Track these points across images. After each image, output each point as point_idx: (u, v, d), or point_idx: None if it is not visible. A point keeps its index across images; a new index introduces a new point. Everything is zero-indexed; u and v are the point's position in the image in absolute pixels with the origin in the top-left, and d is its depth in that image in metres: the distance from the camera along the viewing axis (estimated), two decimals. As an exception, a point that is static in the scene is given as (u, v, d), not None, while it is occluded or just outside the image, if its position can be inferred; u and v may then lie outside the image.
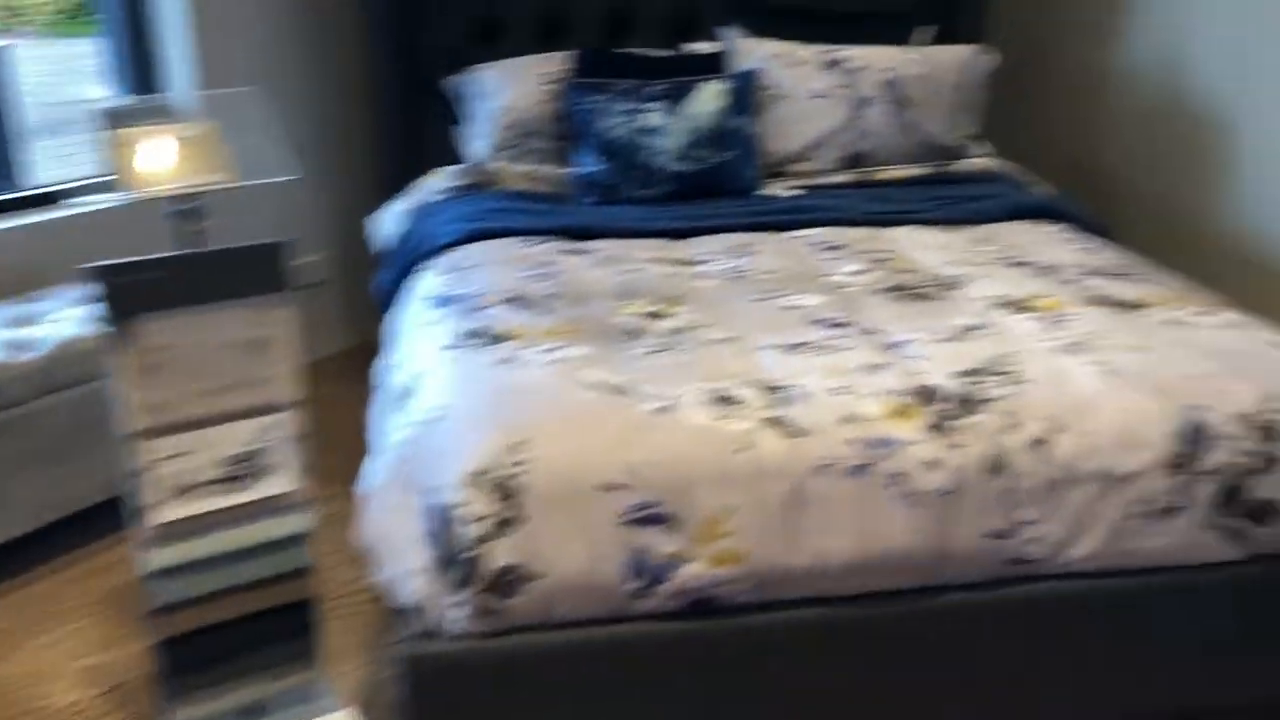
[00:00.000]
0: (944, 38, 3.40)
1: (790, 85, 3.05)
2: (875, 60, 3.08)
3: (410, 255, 2.65)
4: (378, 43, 3.29)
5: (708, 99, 2.93)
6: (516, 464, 1.63)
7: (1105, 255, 2.50)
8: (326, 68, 3.54)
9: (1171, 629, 1.82)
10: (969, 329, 2.03)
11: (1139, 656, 1.84)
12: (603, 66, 3.08)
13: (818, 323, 2.07)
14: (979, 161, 3.13)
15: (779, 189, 2.96)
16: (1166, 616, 1.81)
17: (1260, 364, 1.89)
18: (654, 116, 2.89)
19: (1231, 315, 2.11)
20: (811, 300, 2.19)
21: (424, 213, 2.90)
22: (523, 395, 1.76)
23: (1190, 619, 1.82)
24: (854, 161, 3.05)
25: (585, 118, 2.92)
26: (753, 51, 3.13)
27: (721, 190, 2.93)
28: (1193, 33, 3.28)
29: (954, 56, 3.17)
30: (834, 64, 3.07)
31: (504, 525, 1.61)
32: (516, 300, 2.18)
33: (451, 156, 3.20)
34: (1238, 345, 1.96)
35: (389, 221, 3.03)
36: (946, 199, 2.86)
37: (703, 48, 3.25)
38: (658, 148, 2.88)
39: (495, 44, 3.34)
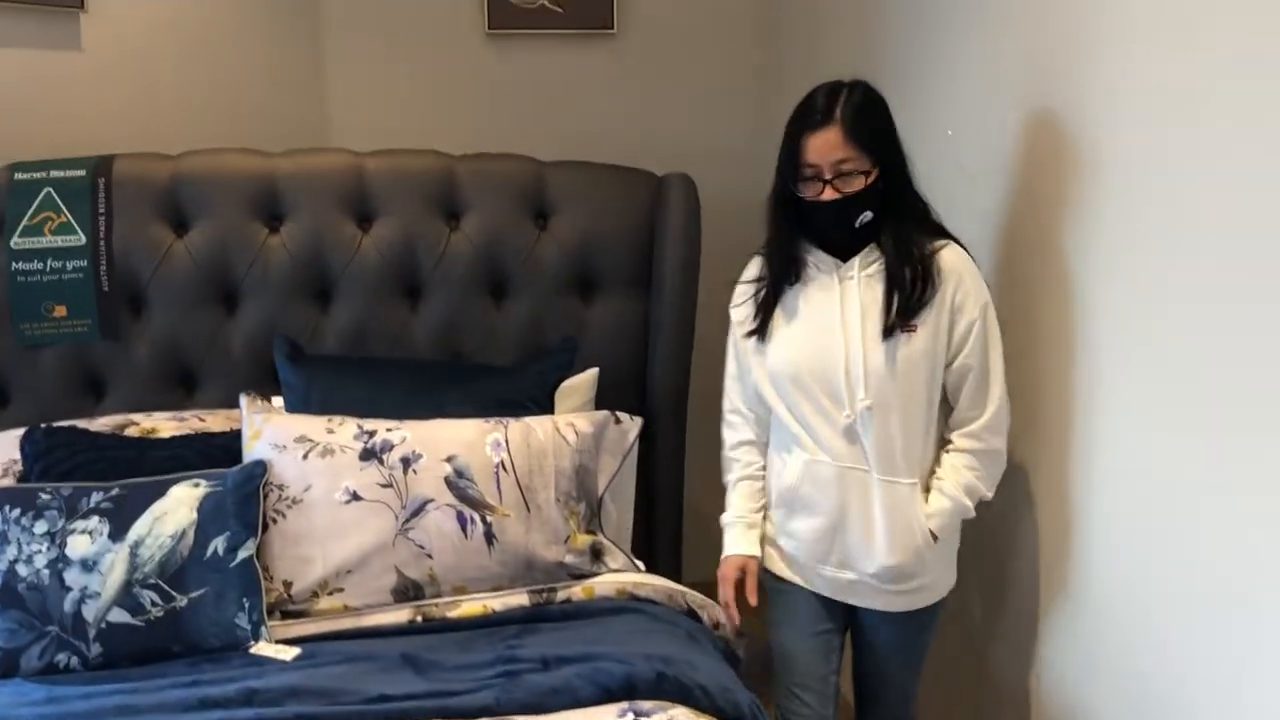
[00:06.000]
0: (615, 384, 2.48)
1: (315, 482, 2.08)
2: (432, 443, 2.12)
3: None
4: None
5: (174, 510, 1.97)
6: None
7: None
8: None
9: None
10: None
11: None
12: (56, 451, 2.13)
13: None
14: (609, 580, 2.12)
15: (277, 644, 1.96)
16: None
17: None
18: (82, 541, 1.92)
19: None
20: None
21: None
22: None
23: None
24: (409, 592, 2.06)
25: (-17, 544, 1.95)
26: (262, 431, 2.16)
27: (189, 649, 1.93)
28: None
29: (568, 428, 2.22)
30: (373, 452, 2.11)
31: None
32: None
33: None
34: None
35: None
36: (518, 664, 1.84)
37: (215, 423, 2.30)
38: (87, 589, 1.90)
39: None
